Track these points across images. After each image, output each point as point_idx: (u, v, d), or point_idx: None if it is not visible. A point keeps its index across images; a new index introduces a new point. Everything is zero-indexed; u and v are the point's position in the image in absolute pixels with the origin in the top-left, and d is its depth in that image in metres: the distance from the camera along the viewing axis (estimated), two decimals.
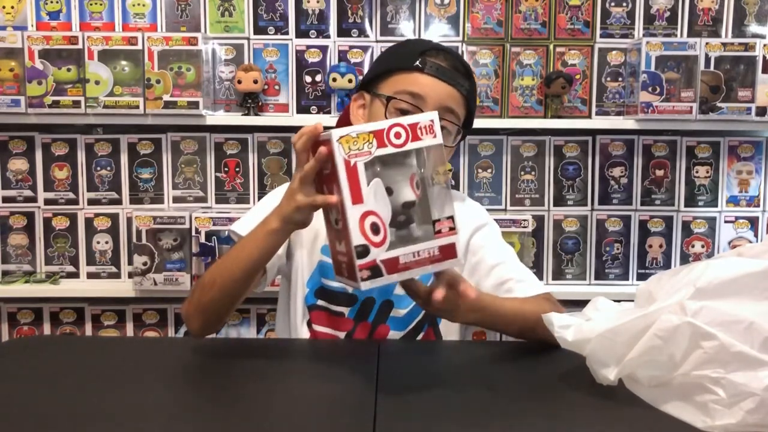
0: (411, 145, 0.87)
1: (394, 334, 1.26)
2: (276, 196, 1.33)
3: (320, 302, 1.27)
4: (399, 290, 1.27)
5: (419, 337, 1.28)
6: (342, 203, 0.85)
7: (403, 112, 1.19)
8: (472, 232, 1.31)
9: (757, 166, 2.05)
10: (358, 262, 0.86)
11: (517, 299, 1.19)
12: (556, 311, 1.13)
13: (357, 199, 0.85)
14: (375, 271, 0.86)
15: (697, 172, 2.05)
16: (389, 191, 0.89)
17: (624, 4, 2.01)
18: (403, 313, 1.27)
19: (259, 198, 2.00)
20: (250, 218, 1.25)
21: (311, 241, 1.30)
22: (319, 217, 1.32)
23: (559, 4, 1.99)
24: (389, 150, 0.86)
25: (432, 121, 0.89)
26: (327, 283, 1.27)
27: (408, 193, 0.89)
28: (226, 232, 1.88)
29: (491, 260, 1.28)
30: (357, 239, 0.85)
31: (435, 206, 0.90)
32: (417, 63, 1.22)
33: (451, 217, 0.89)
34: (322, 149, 0.88)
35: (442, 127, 1.20)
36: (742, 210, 2.05)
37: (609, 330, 0.88)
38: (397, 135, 0.87)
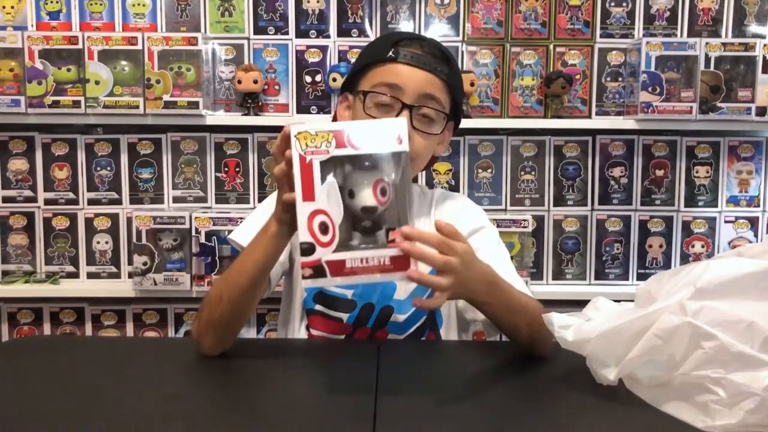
0: (372, 149, 0.86)
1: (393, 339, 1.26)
2: (271, 200, 1.33)
3: (318, 307, 1.26)
4: (399, 295, 1.26)
5: None
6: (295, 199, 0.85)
7: (383, 105, 1.18)
8: (467, 235, 1.29)
9: (757, 166, 2.05)
10: (302, 260, 0.85)
11: (520, 292, 1.16)
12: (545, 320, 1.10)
13: (308, 196, 0.85)
14: (318, 271, 0.85)
15: (697, 172, 2.05)
16: (351, 194, 0.87)
17: (624, 4, 2.01)
18: (402, 318, 1.26)
19: (260, 199, 2.01)
20: (248, 225, 1.24)
21: None
22: None
23: (559, 4, 1.99)
24: (348, 151, 0.85)
25: (400, 127, 0.87)
26: (328, 288, 1.27)
27: (368, 198, 0.87)
28: (226, 233, 1.89)
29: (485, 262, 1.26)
30: (303, 236, 0.85)
31: (391, 215, 0.87)
32: (390, 53, 1.20)
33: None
34: (289, 151, 0.87)
35: (425, 115, 1.20)
36: (742, 210, 2.05)
37: (609, 330, 0.88)
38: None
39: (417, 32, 1.99)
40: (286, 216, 1.00)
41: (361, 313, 1.25)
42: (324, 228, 0.85)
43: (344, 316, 1.25)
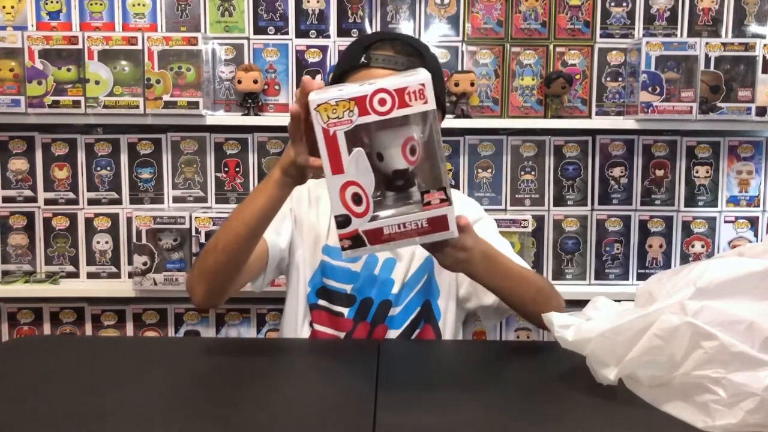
0: (397, 113, 0.82)
1: (391, 333, 1.26)
2: None
3: (321, 302, 1.27)
4: (396, 289, 1.27)
5: (416, 334, 1.28)
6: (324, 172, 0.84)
7: None
8: None
9: (757, 166, 2.05)
10: (339, 232, 0.84)
11: (519, 265, 1.18)
12: (554, 293, 1.13)
13: (337, 169, 0.83)
14: (357, 241, 0.84)
15: (697, 172, 2.05)
16: (380, 157, 0.85)
17: (624, 4, 2.01)
18: (398, 311, 1.27)
19: None
20: None
21: (313, 241, 1.31)
22: (320, 219, 1.32)
23: (559, 4, 1.99)
24: (373, 118, 0.82)
25: (423, 84, 0.82)
26: (328, 282, 1.27)
27: (399, 161, 0.85)
28: None
29: None
30: (337, 209, 0.84)
31: (424, 176, 0.86)
32: (362, 60, 1.20)
33: (444, 189, 0.84)
34: (294, 107, 0.86)
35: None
36: (742, 210, 2.05)
37: (609, 330, 0.88)
38: (382, 102, 0.82)
39: (417, 32, 1.99)
40: (293, 170, 0.99)
41: (361, 307, 1.26)
42: (357, 199, 0.84)
43: (345, 311, 1.26)
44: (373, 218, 0.85)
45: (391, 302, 1.27)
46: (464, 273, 1.08)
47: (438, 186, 0.84)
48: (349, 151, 0.83)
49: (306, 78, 0.91)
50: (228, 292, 1.15)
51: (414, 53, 1.22)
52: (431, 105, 0.82)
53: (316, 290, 1.27)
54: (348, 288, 1.26)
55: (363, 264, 1.28)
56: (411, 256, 1.29)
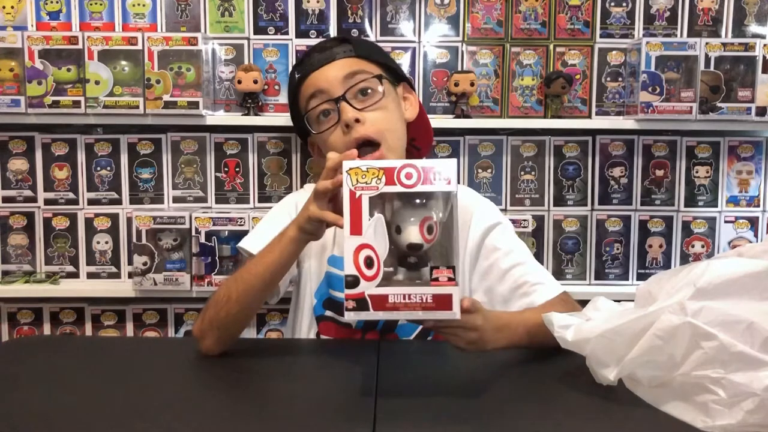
0: (421, 188, 0.87)
1: None
2: (282, 207, 1.33)
3: (328, 313, 1.26)
4: None
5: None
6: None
7: (324, 114, 1.22)
8: (484, 233, 1.28)
9: (757, 166, 2.05)
10: (347, 292, 0.86)
11: (533, 309, 1.16)
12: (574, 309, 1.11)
13: (356, 230, 0.87)
14: (361, 304, 0.86)
15: (697, 172, 2.05)
16: (398, 230, 0.89)
17: (624, 4, 2.01)
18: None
19: (259, 199, 2.01)
20: (259, 234, 1.24)
21: (319, 252, 1.29)
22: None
23: (559, 4, 1.99)
24: (398, 188, 0.86)
25: (449, 168, 0.87)
26: (335, 294, 1.26)
27: (414, 236, 0.89)
28: (226, 233, 1.89)
29: (505, 264, 1.25)
30: (349, 269, 0.86)
31: (436, 253, 0.89)
32: (297, 74, 1.26)
33: (453, 268, 0.87)
34: (340, 176, 0.89)
35: (360, 91, 1.22)
36: (742, 210, 2.05)
37: (609, 330, 0.88)
38: (408, 176, 0.87)
39: (417, 32, 1.99)
40: (310, 227, 1.02)
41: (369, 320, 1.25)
42: (369, 262, 0.86)
43: (353, 322, 1.25)
44: (381, 285, 0.87)
45: None
46: (480, 351, 1.04)
47: (447, 264, 0.87)
48: (371, 217, 0.86)
49: (351, 152, 0.97)
50: (237, 337, 1.14)
51: (335, 43, 1.27)
52: (453, 187, 0.87)
53: (322, 301, 1.27)
54: None
55: None
56: None
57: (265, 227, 1.23)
